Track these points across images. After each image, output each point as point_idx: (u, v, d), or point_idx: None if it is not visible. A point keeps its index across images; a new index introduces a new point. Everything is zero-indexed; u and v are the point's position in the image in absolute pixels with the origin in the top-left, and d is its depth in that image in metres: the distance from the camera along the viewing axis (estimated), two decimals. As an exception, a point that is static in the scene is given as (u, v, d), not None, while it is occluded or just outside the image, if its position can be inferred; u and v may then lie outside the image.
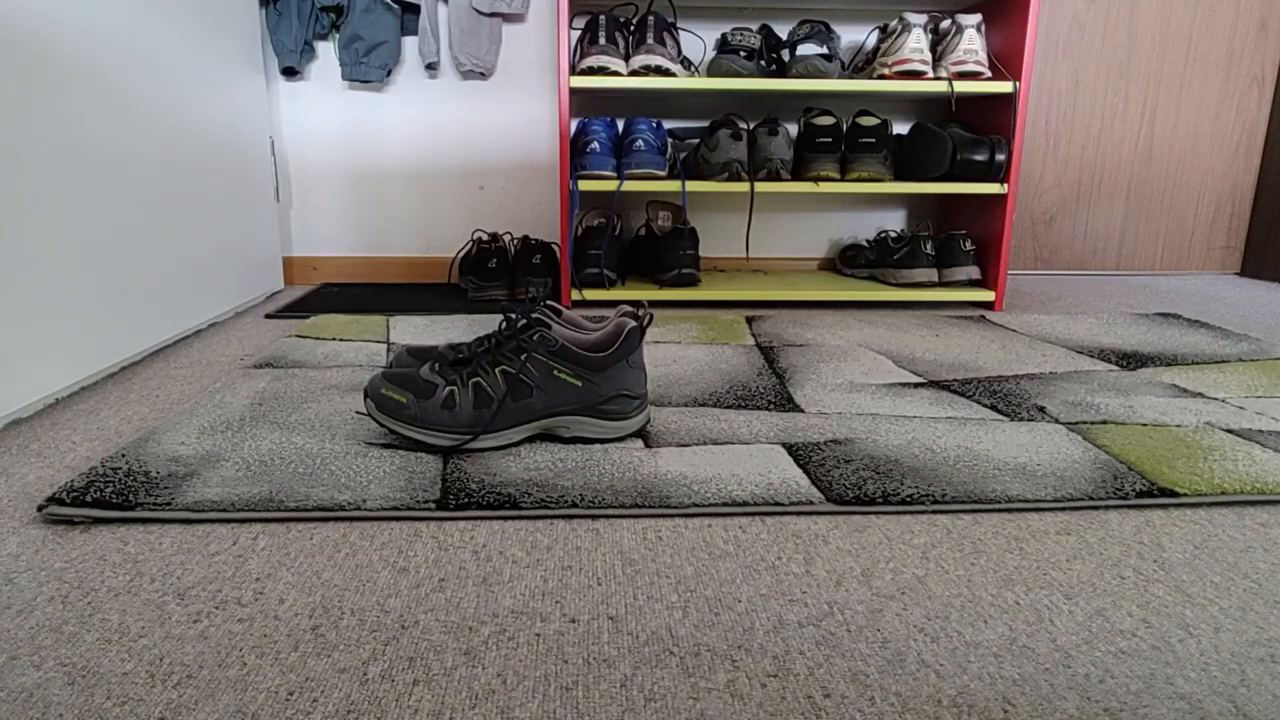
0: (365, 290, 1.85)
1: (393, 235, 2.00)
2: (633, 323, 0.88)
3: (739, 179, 1.63)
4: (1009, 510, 0.74)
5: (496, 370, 0.84)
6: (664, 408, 1.00)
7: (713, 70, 1.64)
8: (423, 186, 1.98)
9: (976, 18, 1.62)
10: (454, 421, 0.83)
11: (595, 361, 0.86)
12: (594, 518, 0.72)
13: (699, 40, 1.90)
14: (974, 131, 1.75)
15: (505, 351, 0.85)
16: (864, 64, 1.77)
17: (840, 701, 0.48)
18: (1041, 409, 1.02)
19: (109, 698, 0.48)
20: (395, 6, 1.84)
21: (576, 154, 1.66)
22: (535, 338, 0.85)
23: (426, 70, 1.92)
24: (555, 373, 0.85)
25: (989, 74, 1.64)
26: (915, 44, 1.61)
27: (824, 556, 0.66)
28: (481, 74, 1.91)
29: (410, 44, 1.90)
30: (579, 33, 1.69)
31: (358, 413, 0.96)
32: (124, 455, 0.82)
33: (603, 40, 1.59)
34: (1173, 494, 0.76)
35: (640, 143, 1.62)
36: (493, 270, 1.71)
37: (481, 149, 1.97)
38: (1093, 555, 0.66)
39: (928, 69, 1.61)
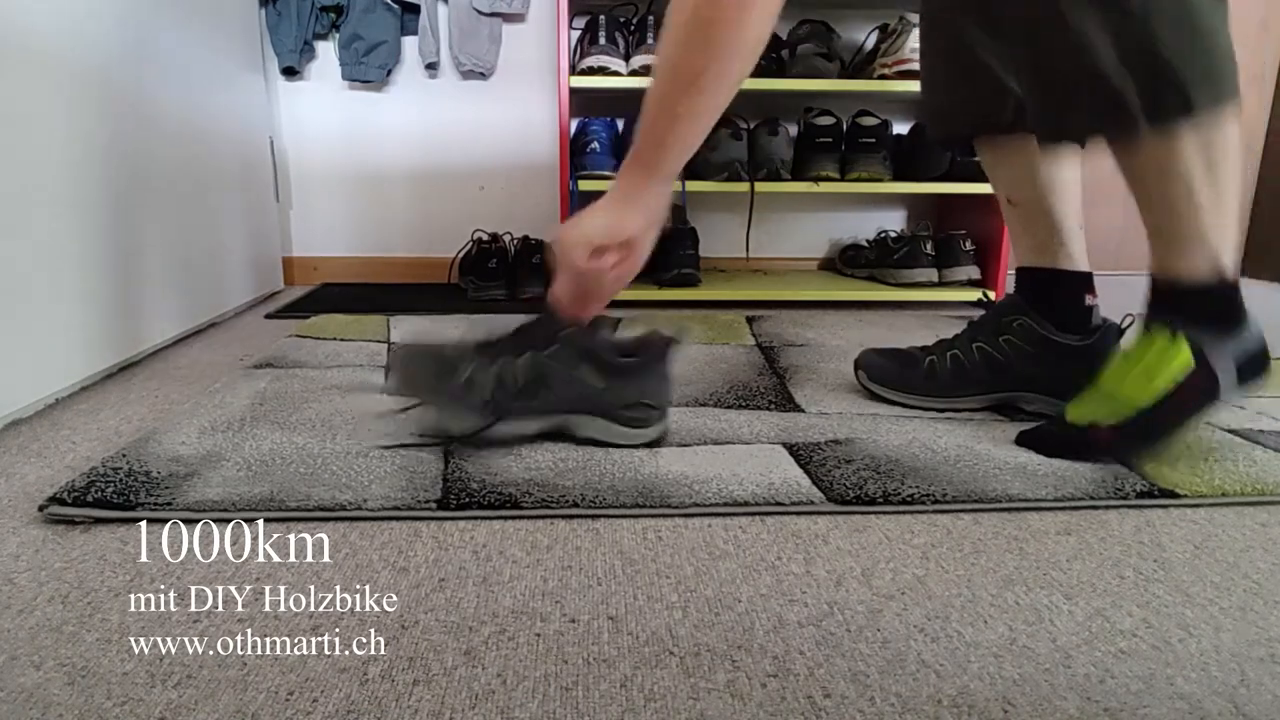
0: (365, 290, 1.85)
1: (393, 235, 2.00)
2: (666, 333, 0.87)
3: (739, 179, 1.63)
4: (1009, 510, 0.74)
5: (522, 359, 0.84)
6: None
7: (713, 70, 1.63)
8: (423, 186, 1.98)
9: (976, 18, 1.62)
10: (473, 405, 0.82)
11: (622, 366, 0.85)
12: (594, 518, 0.72)
13: (699, 40, 1.89)
14: (974, 131, 1.74)
15: (535, 342, 0.84)
16: (864, 64, 1.77)
17: (840, 701, 0.48)
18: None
19: (109, 698, 0.48)
20: (395, 6, 1.84)
21: (576, 154, 1.66)
22: (567, 334, 0.84)
23: (426, 70, 1.92)
24: (580, 371, 0.84)
25: (989, 74, 1.64)
26: (915, 44, 1.61)
27: (824, 556, 0.66)
28: (481, 74, 1.91)
29: (410, 44, 1.90)
30: (579, 33, 1.69)
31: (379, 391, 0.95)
32: (124, 455, 0.82)
33: (603, 40, 1.59)
34: (1173, 495, 0.76)
35: (640, 143, 1.62)
36: (493, 270, 1.71)
37: (481, 149, 1.97)
38: (1093, 555, 0.66)
39: (928, 69, 1.61)
